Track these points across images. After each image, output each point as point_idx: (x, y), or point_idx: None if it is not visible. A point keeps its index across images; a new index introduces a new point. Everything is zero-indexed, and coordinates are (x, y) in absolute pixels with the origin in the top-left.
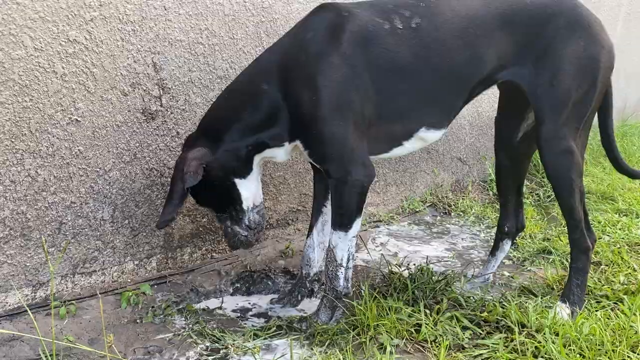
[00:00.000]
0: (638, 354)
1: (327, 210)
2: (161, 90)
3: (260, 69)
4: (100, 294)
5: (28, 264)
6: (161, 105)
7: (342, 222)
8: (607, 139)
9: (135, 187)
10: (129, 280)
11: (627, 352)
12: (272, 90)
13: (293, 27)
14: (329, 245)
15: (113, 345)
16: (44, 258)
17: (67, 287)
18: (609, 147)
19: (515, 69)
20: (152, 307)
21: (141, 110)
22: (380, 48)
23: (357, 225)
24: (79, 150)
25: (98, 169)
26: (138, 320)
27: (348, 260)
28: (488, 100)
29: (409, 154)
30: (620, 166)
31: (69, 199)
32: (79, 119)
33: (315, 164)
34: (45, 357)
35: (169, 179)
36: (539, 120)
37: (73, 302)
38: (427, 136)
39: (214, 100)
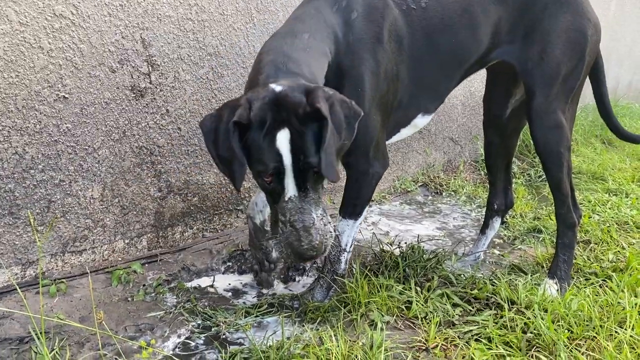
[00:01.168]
0: (625, 330)
1: None
2: (150, 67)
3: (323, 39)
4: (90, 272)
5: (17, 243)
6: (150, 83)
7: (354, 211)
8: (604, 109)
9: (125, 166)
10: (120, 259)
11: (615, 328)
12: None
13: None
14: (335, 231)
15: (104, 322)
16: (33, 236)
17: (57, 266)
18: (607, 116)
19: (506, 47)
20: (144, 285)
21: (130, 87)
22: (404, 31)
23: (365, 213)
24: (67, 127)
25: (87, 147)
26: (129, 299)
27: (351, 245)
28: (481, 80)
29: None
30: (620, 133)
31: (58, 177)
32: (66, 96)
33: None
34: (36, 334)
35: (159, 158)
36: (529, 94)
37: (63, 280)
38: (420, 122)
39: (208, 76)
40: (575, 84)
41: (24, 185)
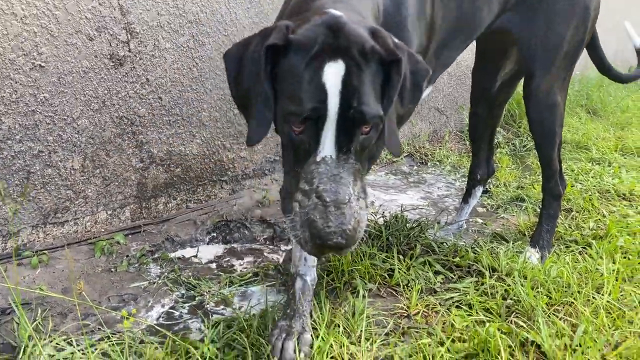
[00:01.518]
0: (602, 295)
1: None
2: (129, 35)
3: (375, 6)
4: (73, 243)
5: None
6: (129, 51)
7: None
8: (602, 64)
9: (106, 136)
10: (103, 230)
11: (592, 293)
12: None
13: None
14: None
15: (84, 293)
16: (13, 208)
17: (38, 237)
18: (608, 69)
19: (508, 15)
20: (127, 256)
21: (108, 56)
22: (440, 7)
23: None
24: (44, 97)
25: (65, 117)
26: (112, 269)
27: None
28: (466, 50)
29: None
30: (622, 79)
31: (37, 148)
32: (42, 65)
33: None
34: (16, 306)
35: (140, 128)
36: (529, 72)
37: (45, 252)
38: (425, 93)
39: (186, 45)
40: (574, 61)
41: (1, 156)
